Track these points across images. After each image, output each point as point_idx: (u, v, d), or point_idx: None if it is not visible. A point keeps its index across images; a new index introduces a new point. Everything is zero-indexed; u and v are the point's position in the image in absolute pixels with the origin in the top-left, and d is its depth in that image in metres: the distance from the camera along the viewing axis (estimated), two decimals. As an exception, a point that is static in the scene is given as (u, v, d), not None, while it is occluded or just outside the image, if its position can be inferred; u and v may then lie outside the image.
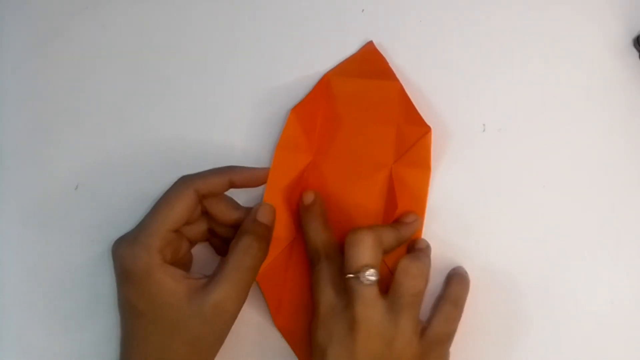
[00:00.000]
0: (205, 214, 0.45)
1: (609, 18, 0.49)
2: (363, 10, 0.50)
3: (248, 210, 0.44)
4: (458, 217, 0.47)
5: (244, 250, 0.41)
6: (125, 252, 0.41)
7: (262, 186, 0.45)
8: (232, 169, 0.44)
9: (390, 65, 0.49)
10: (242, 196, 0.47)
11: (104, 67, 0.51)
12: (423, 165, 0.46)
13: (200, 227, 0.45)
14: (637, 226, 0.46)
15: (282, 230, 0.46)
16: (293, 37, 0.50)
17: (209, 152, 0.49)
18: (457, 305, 0.43)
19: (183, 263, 0.45)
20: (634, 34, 0.48)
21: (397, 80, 0.48)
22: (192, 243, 0.46)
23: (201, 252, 0.48)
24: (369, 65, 0.49)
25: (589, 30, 0.49)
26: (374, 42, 0.50)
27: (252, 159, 0.48)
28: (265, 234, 0.43)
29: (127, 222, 0.46)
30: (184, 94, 0.50)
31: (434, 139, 0.47)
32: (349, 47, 0.50)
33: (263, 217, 0.43)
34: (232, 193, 0.46)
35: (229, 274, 0.40)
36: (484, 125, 0.48)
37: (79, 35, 0.52)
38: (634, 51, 0.48)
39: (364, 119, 0.48)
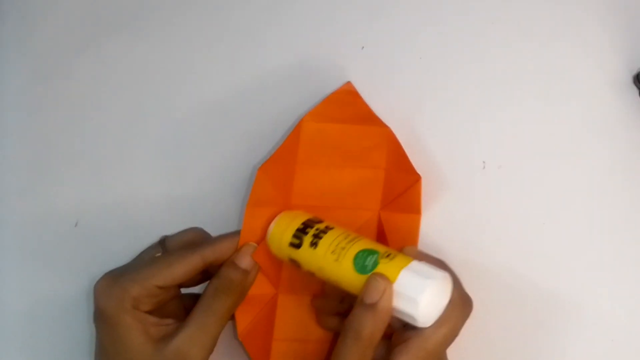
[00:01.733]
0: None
1: (609, 55, 0.49)
2: (363, 47, 0.51)
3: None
4: (457, 254, 0.47)
5: (212, 295, 0.41)
6: (102, 289, 0.40)
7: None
8: (203, 248, 0.42)
9: (389, 103, 0.49)
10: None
11: (104, 105, 0.52)
12: (413, 211, 0.45)
13: (195, 279, 0.44)
14: (637, 265, 0.46)
15: (260, 287, 0.44)
16: (293, 74, 0.51)
17: (209, 189, 0.49)
18: None
19: (169, 310, 0.43)
20: (634, 72, 0.48)
21: (385, 126, 0.47)
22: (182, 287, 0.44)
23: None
24: (348, 109, 0.47)
25: (589, 67, 0.49)
26: (373, 77, 0.50)
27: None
28: (239, 279, 0.41)
29: (126, 259, 0.46)
30: (183, 133, 0.51)
31: (435, 176, 0.47)
32: (349, 84, 0.50)
33: (240, 261, 0.42)
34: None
35: (195, 318, 0.40)
36: (484, 162, 0.48)
37: (80, 74, 0.52)
38: (634, 88, 0.48)
39: (348, 165, 0.47)
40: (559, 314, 0.45)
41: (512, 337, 0.45)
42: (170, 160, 0.50)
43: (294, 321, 0.45)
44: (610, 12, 0.49)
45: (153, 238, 0.47)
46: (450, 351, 0.45)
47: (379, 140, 0.46)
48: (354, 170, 0.47)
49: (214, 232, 0.45)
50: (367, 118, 0.47)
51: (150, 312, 0.40)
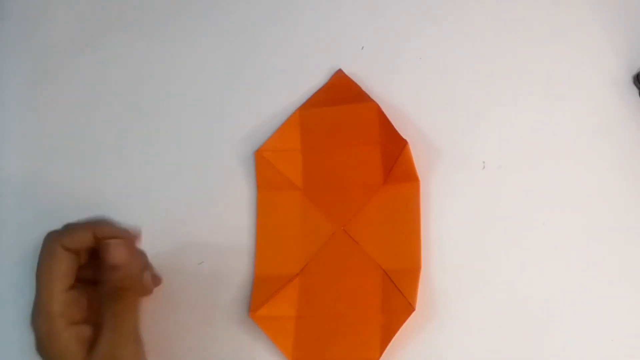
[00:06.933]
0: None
1: (609, 55, 0.49)
2: (363, 47, 0.51)
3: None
4: (457, 254, 0.47)
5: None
6: (33, 324, 0.40)
7: (253, 228, 0.47)
8: (98, 224, 0.42)
9: (389, 102, 0.49)
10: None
11: (103, 105, 0.52)
12: (410, 178, 0.46)
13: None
14: (637, 264, 0.46)
15: (281, 267, 0.46)
16: (292, 74, 0.51)
17: (207, 188, 0.49)
18: None
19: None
20: (634, 71, 0.48)
21: (372, 100, 0.47)
22: None
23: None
24: (341, 92, 0.49)
25: (589, 67, 0.49)
26: (373, 77, 0.50)
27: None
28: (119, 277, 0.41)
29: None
30: (182, 131, 0.51)
31: (435, 176, 0.47)
32: (349, 84, 0.50)
33: (112, 259, 0.41)
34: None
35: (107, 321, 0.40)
36: (483, 162, 0.48)
37: (79, 74, 0.52)
38: (634, 88, 0.48)
39: (349, 145, 0.48)
40: (559, 314, 0.45)
41: (511, 337, 0.45)
42: (171, 159, 0.50)
43: (315, 298, 0.46)
44: (610, 12, 0.49)
45: (154, 236, 0.47)
46: (449, 350, 0.45)
47: (370, 115, 0.47)
48: (354, 149, 0.48)
49: (218, 227, 0.48)
50: (357, 96, 0.48)
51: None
